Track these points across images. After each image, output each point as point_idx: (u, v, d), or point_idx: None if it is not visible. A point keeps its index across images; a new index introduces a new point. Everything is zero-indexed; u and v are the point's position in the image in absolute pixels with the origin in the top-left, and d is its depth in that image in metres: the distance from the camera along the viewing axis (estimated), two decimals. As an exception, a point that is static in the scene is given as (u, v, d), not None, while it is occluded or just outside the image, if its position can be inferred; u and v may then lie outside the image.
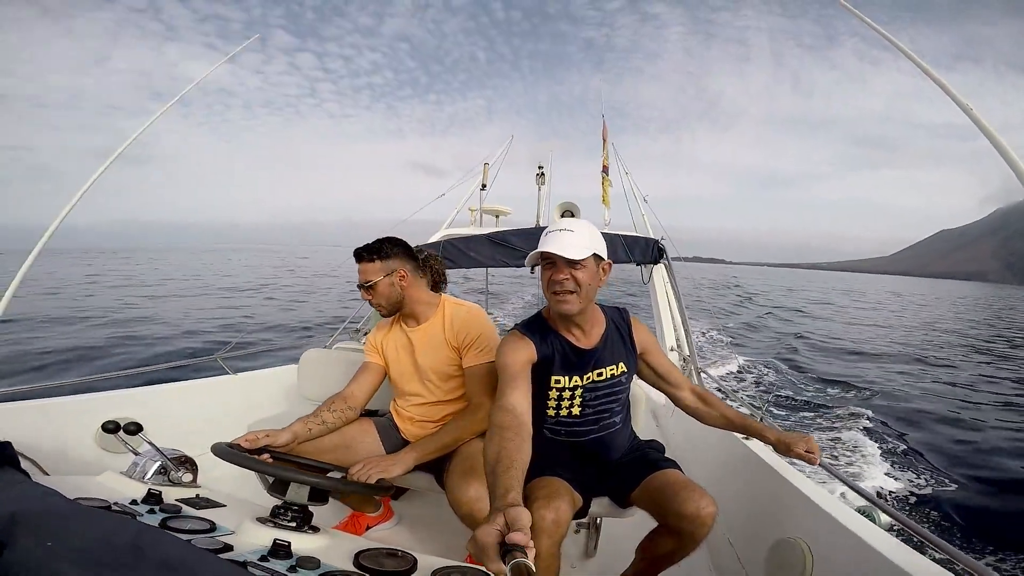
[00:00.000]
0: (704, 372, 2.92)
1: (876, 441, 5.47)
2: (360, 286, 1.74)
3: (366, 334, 3.11)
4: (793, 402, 7.17)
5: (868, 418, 6.25)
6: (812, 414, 6.56)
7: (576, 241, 1.35)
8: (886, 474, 4.69)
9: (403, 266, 1.76)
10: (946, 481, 4.64)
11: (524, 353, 1.41)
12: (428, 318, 1.80)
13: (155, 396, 2.33)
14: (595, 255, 1.38)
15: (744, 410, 2.03)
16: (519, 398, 1.29)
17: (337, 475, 1.47)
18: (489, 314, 2.15)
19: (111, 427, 1.26)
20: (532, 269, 1.53)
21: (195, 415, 2.45)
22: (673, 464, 1.52)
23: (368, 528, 2.03)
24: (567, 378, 1.48)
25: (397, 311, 1.79)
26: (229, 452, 1.16)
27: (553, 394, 1.49)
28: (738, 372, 8.65)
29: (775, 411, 6.51)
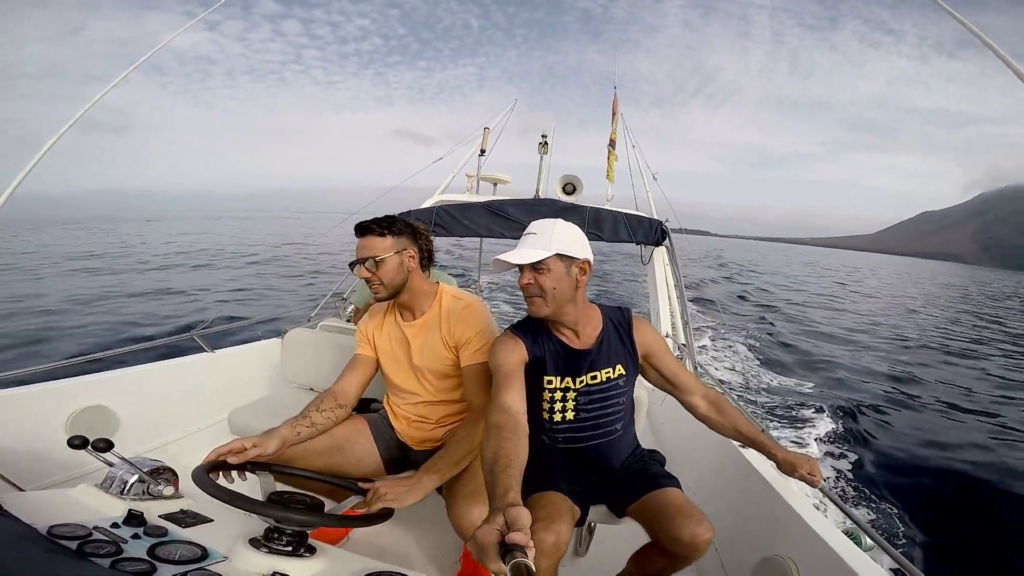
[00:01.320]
0: (702, 367, 2.86)
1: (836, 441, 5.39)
2: (360, 262, 1.55)
3: (355, 308, 3.01)
4: (767, 386, 7.20)
5: (836, 411, 6.20)
6: (781, 399, 6.53)
7: (534, 243, 1.36)
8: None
9: (412, 247, 1.62)
10: (904, 495, 4.46)
11: (516, 353, 1.41)
12: (424, 311, 1.66)
13: (127, 380, 2.17)
14: (561, 256, 1.35)
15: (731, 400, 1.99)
16: (514, 397, 1.28)
17: (353, 500, 1.35)
18: (481, 293, 2.02)
19: (78, 443, 1.12)
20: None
21: (172, 399, 2.32)
22: (674, 482, 1.48)
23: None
24: (559, 379, 1.46)
25: (394, 297, 1.62)
26: (213, 486, 1.05)
27: (546, 395, 1.47)
28: (711, 346, 8.73)
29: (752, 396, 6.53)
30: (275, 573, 0.91)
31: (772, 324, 12.39)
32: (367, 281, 1.58)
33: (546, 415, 1.49)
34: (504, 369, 1.35)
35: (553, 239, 1.36)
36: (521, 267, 1.37)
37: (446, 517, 1.45)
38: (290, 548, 1.01)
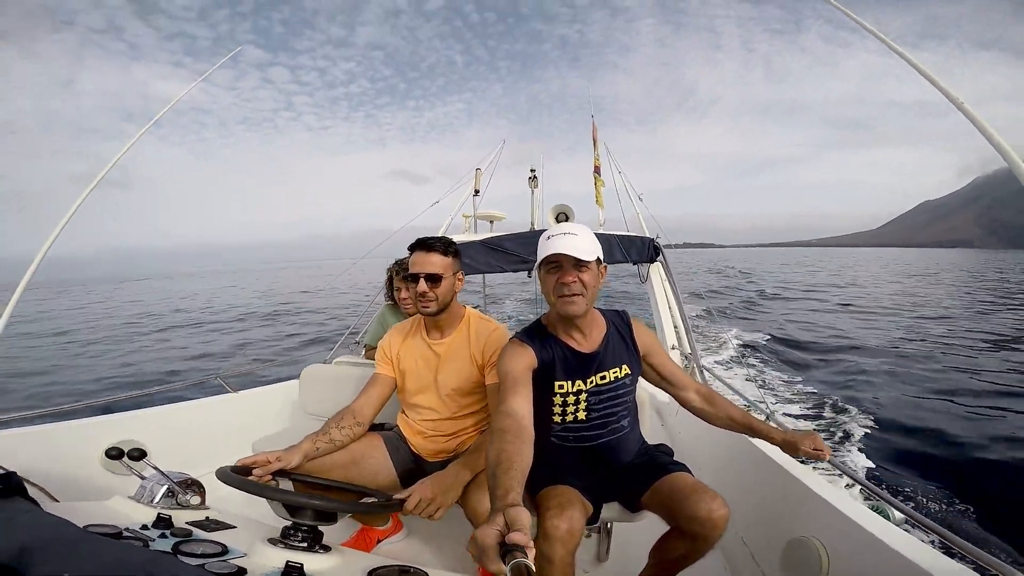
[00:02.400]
0: (707, 369, 2.93)
1: (869, 437, 5.31)
2: (421, 276, 1.62)
3: (366, 347, 3.12)
4: (792, 389, 7.14)
5: (864, 407, 6.15)
6: (811, 405, 6.44)
7: (582, 245, 1.39)
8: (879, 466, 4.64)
9: (461, 271, 1.73)
10: (948, 474, 4.48)
11: (524, 359, 1.43)
12: (452, 332, 1.75)
13: (157, 417, 2.32)
14: (598, 258, 1.43)
15: (746, 405, 2.01)
16: (520, 403, 1.30)
17: (369, 499, 1.43)
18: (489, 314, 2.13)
19: (114, 453, 1.24)
20: (529, 273, 1.53)
21: (198, 435, 2.45)
22: (682, 467, 1.52)
23: (379, 542, 1.99)
24: (570, 382, 1.48)
25: (439, 314, 1.69)
26: (233, 477, 1.13)
27: (558, 399, 1.50)
28: (732, 360, 8.67)
29: (775, 401, 6.46)
30: (288, 563, 0.93)
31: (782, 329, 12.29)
32: (421, 295, 1.63)
33: (558, 418, 1.52)
34: (512, 375, 1.37)
35: (593, 241, 1.43)
36: (559, 264, 1.40)
37: (462, 532, 1.48)
38: (305, 544, 1.05)
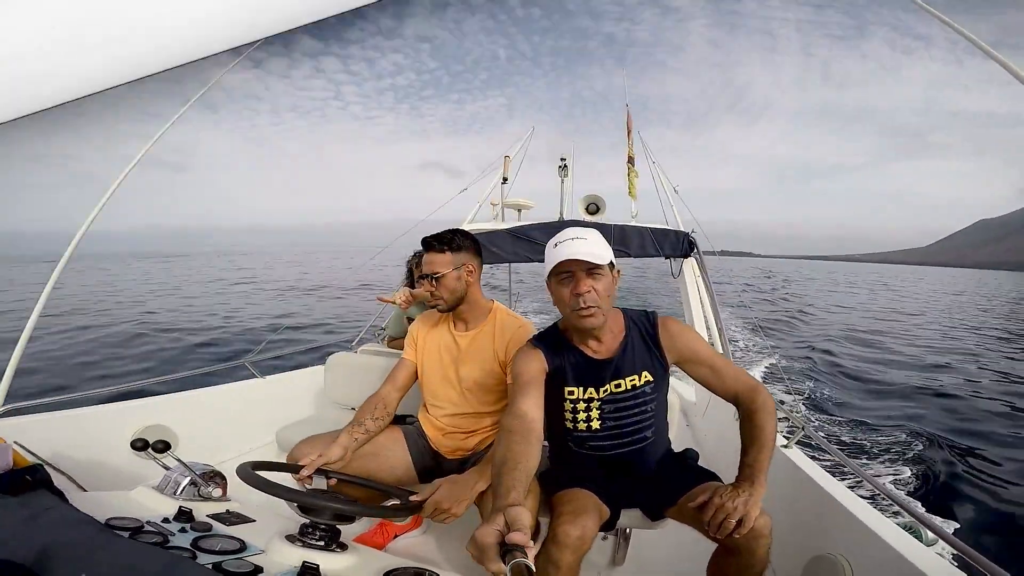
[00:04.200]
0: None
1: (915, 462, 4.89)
2: (425, 277, 1.66)
3: (388, 338, 3.11)
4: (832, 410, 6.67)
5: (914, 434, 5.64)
6: (854, 430, 5.93)
7: (594, 249, 1.30)
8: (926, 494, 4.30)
9: (471, 261, 1.69)
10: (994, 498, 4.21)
11: (535, 363, 1.40)
12: (479, 324, 1.73)
13: (185, 402, 2.36)
14: (611, 263, 1.36)
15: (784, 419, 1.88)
16: (530, 405, 1.27)
17: (391, 501, 1.45)
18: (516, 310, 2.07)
19: (139, 444, 1.28)
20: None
21: (226, 420, 2.49)
22: (713, 476, 1.42)
23: (396, 536, 1.99)
24: (580, 389, 1.43)
25: (456, 307, 1.70)
26: (252, 475, 1.13)
27: (568, 406, 1.45)
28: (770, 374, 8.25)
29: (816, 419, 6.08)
30: (305, 563, 0.95)
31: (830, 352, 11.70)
32: (431, 294, 1.67)
33: (569, 424, 1.47)
34: (522, 379, 1.35)
35: (604, 245, 1.34)
36: (572, 273, 1.31)
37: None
38: (322, 543, 1.06)
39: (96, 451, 1.90)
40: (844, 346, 11.88)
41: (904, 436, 5.48)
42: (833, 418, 6.18)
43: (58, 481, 1.39)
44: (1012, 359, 11.39)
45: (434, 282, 1.63)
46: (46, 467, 1.58)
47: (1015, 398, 7.58)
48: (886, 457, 5.01)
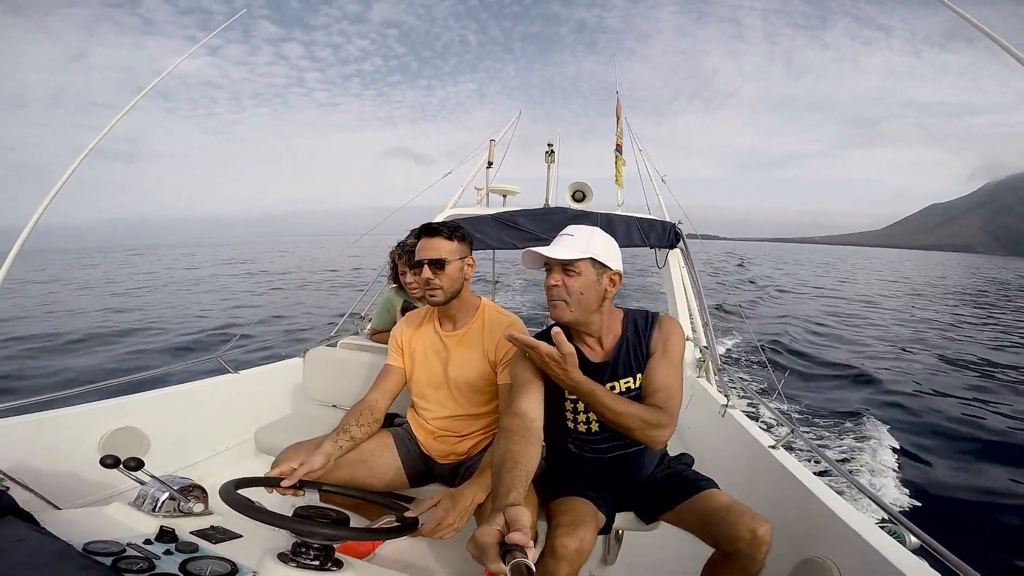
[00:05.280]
0: (723, 368, 2.79)
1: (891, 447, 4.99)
2: (425, 263, 1.54)
3: (372, 330, 3.01)
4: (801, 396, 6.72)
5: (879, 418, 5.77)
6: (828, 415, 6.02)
7: (569, 243, 1.32)
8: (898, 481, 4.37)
9: (471, 256, 1.63)
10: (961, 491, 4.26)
11: (534, 363, 1.35)
12: (466, 323, 1.66)
13: (156, 402, 2.21)
14: (594, 261, 1.32)
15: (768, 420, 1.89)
16: (529, 404, 1.26)
17: (386, 519, 1.35)
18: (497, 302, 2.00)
19: (110, 462, 1.16)
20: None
21: (199, 419, 2.35)
22: (711, 483, 1.42)
23: (385, 539, 1.92)
24: None
25: (448, 302, 1.61)
26: (236, 499, 1.05)
27: (568, 406, 1.44)
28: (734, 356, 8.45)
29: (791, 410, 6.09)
30: None
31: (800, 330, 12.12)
32: (426, 283, 1.56)
33: (570, 424, 1.46)
34: (521, 378, 1.33)
35: (590, 244, 1.33)
36: (550, 267, 1.33)
37: (470, 533, 1.42)
38: (317, 562, 1.01)
39: (63, 460, 1.77)
40: (811, 328, 12.34)
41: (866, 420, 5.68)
42: (818, 416, 6.22)
43: (24, 499, 1.26)
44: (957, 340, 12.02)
45: (435, 268, 1.53)
46: (10, 482, 1.46)
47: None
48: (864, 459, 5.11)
